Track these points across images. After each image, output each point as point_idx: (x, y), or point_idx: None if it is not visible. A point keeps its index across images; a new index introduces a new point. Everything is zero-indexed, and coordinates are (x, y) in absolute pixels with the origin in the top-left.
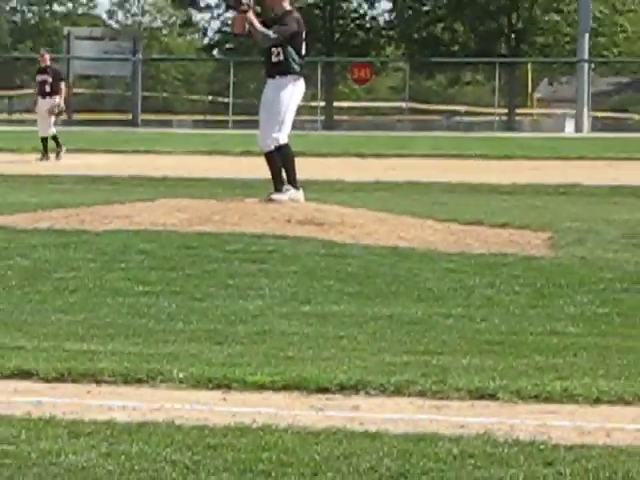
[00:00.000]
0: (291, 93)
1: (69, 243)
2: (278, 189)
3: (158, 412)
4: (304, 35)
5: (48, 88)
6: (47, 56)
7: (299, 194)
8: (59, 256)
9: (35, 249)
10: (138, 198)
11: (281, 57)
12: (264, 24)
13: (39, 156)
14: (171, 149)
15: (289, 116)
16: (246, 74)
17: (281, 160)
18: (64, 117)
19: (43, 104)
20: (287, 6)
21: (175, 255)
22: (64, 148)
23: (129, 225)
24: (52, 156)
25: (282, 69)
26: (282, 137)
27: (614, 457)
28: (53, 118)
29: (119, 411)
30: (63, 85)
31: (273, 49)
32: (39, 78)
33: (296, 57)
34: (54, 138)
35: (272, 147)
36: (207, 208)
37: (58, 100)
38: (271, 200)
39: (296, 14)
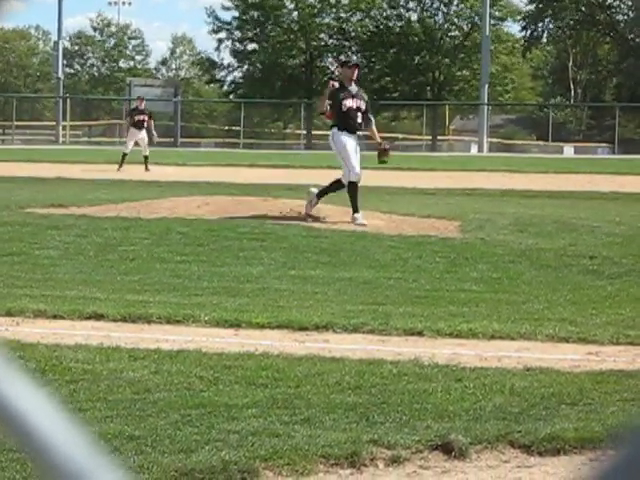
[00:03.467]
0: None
1: (129, 226)
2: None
3: (190, 343)
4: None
5: (146, 124)
6: (144, 101)
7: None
8: (122, 235)
9: (106, 230)
10: (177, 196)
11: (360, 120)
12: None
13: (117, 167)
14: (200, 162)
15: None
16: (251, 111)
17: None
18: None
19: (138, 133)
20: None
21: (202, 235)
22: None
23: (171, 214)
24: (136, 168)
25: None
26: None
27: (503, 376)
28: (147, 143)
29: (163, 342)
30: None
31: (360, 114)
32: (138, 117)
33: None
34: (145, 158)
35: (359, 179)
36: (225, 203)
37: (153, 132)
38: (362, 224)
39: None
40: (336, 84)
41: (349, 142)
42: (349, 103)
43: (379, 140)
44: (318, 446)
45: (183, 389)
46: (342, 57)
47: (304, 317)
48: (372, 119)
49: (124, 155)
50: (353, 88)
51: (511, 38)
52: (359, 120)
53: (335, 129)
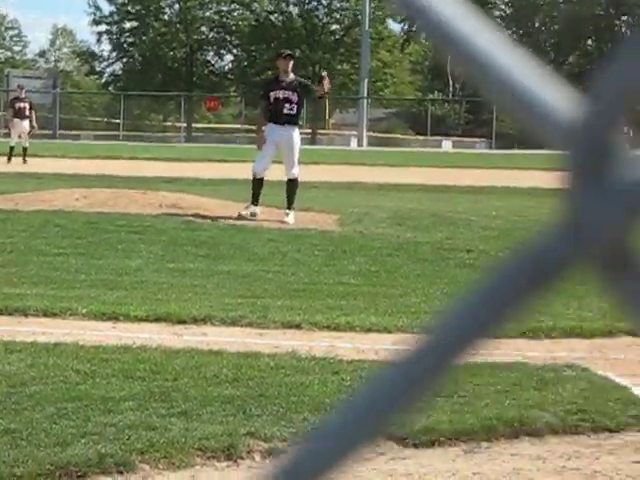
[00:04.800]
0: (299, 142)
1: (7, 219)
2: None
3: (68, 336)
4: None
5: (27, 113)
6: (24, 90)
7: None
8: (0, 228)
9: None
10: (56, 188)
11: (294, 112)
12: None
13: (6, 160)
14: (79, 154)
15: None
16: (131, 103)
17: (294, 189)
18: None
19: (21, 123)
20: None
21: (81, 228)
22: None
23: (49, 207)
24: (16, 160)
25: (296, 121)
26: (297, 172)
27: (379, 368)
28: (27, 134)
29: (40, 335)
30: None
31: (288, 104)
32: (19, 105)
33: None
34: (24, 149)
35: (294, 177)
36: (104, 196)
37: (34, 123)
38: (285, 221)
39: None
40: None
41: (270, 136)
42: (277, 94)
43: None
44: (195, 439)
45: (59, 382)
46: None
47: (182, 310)
48: (312, 89)
49: (11, 148)
50: (287, 79)
51: (392, 35)
52: (286, 111)
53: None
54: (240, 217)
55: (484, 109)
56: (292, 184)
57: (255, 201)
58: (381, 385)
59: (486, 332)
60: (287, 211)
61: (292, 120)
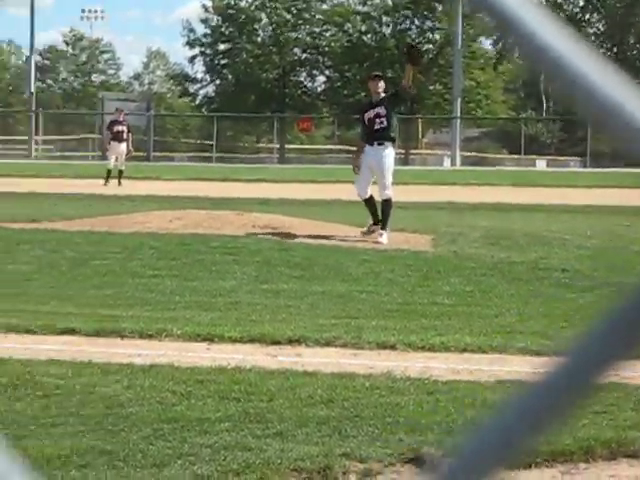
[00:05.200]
0: (392, 160)
1: (102, 241)
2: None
3: (163, 357)
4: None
5: (124, 136)
6: (122, 112)
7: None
8: (95, 250)
9: (78, 245)
10: (150, 210)
11: (384, 125)
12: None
13: (103, 182)
14: (173, 177)
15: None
16: (224, 125)
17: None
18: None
19: (119, 146)
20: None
21: (175, 249)
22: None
23: (143, 229)
24: (112, 182)
25: (389, 134)
26: (391, 191)
27: (475, 389)
28: (124, 157)
29: (136, 357)
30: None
31: (379, 119)
32: (117, 128)
33: (394, 126)
34: (120, 172)
35: (388, 198)
36: (198, 217)
37: (131, 146)
38: (379, 242)
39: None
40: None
41: (364, 160)
42: (369, 115)
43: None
44: (290, 460)
45: (155, 403)
46: (316, 72)
47: (276, 331)
48: (398, 91)
49: (108, 171)
50: (378, 99)
51: (484, 54)
52: (377, 126)
53: None
54: (364, 234)
55: (578, 127)
56: (386, 205)
57: (375, 221)
58: (520, 407)
59: (623, 353)
60: (381, 231)
61: (383, 136)
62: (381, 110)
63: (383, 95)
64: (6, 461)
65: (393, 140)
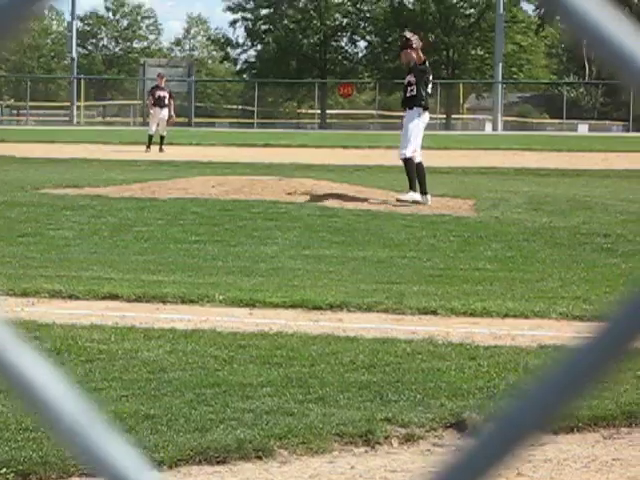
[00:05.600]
0: (417, 123)
1: (144, 207)
2: (410, 189)
3: (205, 323)
4: (430, 77)
5: (166, 102)
6: (164, 78)
7: (417, 196)
8: (137, 216)
9: (120, 211)
10: (191, 176)
11: (414, 93)
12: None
13: (145, 148)
14: (214, 142)
15: (414, 138)
16: (266, 90)
17: (408, 169)
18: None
19: (160, 112)
20: (422, 56)
21: (217, 215)
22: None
23: (185, 194)
24: (153, 148)
25: (414, 103)
26: (408, 152)
27: (517, 354)
28: (165, 123)
29: (178, 322)
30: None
31: (408, 87)
32: (159, 94)
33: (424, 94)
34: (161, 137)
35: (402, 157)
36: (239, 183)
37: (172, 112)
38: (398, 199)
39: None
40: None
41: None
42: (404, 81)
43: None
44: (332, 425)
45: (198, 368)
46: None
47: (318, 296)
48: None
49: (150, 137)
50: (407, 67)
51: (526, 18)
52: (408, 94)
53: None
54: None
55: (621, 92)
56: (404, 164)
57: (412, 186)
58: (560, 371)
59: None
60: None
61: (411, 102)
62: (411, 78)
63: (413, 64)
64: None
65: (422, 106)
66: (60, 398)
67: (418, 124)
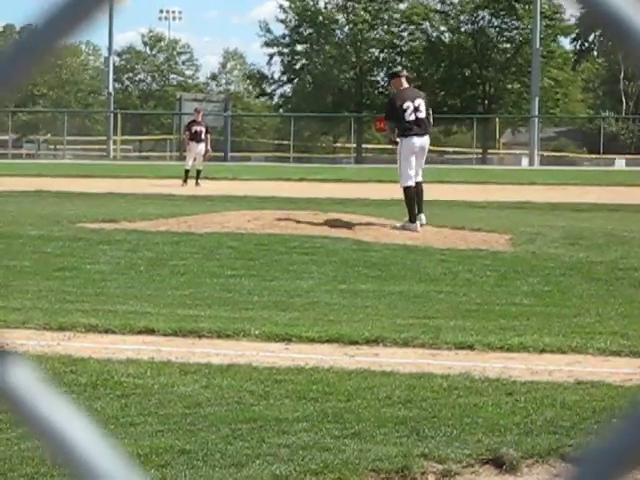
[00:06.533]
0: (401, 150)
1: (180, 241)
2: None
3: (241, 357)
4: (407, 104)
5: (203, 136)
6: (201, 113)
7: (412, 226)
8: (173, 250)
9: (157, 245)
10: (228, 210)
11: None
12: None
13: (181, 183)
14: (250, 177)
15: (404, 165)
16: (301, 125)
17: (406, 198)
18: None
19: (197, 147)
20: (402, 85)
21: (253, 249)
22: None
23: (221, 229)
24: (190, 183)
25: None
26: (402, 182)
27: (554, 389)
28: (202, 158)
29: (214, 357)
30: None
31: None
32: (196, 128)
33: (400, 124)
34: (198, 172)
35: (402, 186)
36: (275, 217)
37: (209, 147)
38: (394, 227)
39: (406, 90)
40: None
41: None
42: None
43: None
44: (368, 460)
45: (234, 403)
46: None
47: (354, 331)
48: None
49: (186, 171)
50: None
51: (563, 53)
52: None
53: None
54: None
55: None
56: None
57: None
58: None
59: None
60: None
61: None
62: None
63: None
64: (112, 460)
65: (402, 135)
66: (96, 454)
67: (401, 152)
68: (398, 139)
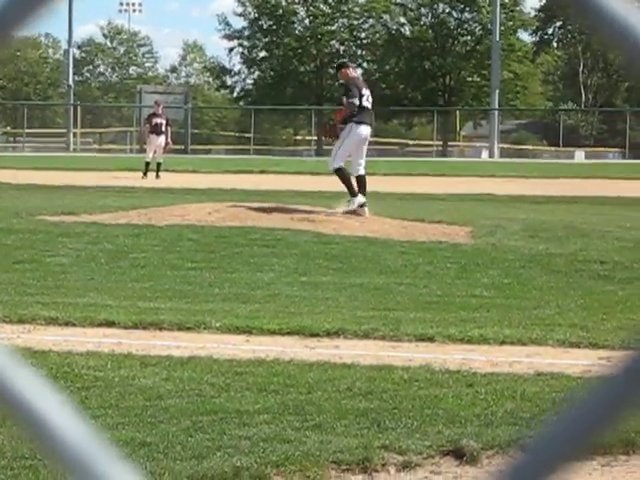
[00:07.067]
0: (347, 135)
1: (140, 233)
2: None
3: (201, 350)
4: (364, 91)
5: (163, 129)
6: (161, 106)
7: (361, 199)
8: (134, 242)
9: (117, 237)
10: (188, 202)
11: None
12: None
13: (142, 175)
14: (210, 169)
15: (344, 150)
16: (262, 117)
17: (341, 178)
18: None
19: (157, 139)
20: (352, 74)
21: (213, 242)
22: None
23: (182, 221)
24: (150, 175)
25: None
26: (335, 163)
27: (514, 381)
28: (162, 150)
29: (175, 349)
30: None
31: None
32: (156, 121)
33: (356, 108)
34: (158, 164)
35: (331, 168)
36: (236, 210)
37: (169, 139)
38: (344, 212)
39: (358, 79)
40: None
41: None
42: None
43: None
44: (329, 452)
45: (194, 396)
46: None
47: (315, 323)
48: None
49: (147, 164)
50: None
51: (522, 47)
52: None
53: None
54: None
55: (618, 119)
56: (337, 175)
57: (352, 193)
58: (591, 400)
59: None
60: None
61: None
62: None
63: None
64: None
65: (354, 122)
66: (64, 425)
67: (347, 137)
68: (346, 125)
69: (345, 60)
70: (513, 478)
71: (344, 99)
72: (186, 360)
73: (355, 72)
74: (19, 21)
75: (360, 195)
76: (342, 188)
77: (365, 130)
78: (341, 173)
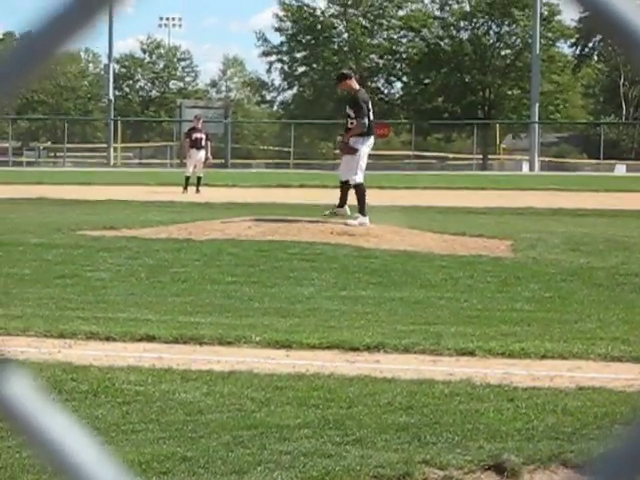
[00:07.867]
0: (362, 148)
1: (181, 248)
2: (360, 214)
3: (242, 364)
4: (369, 105)
5: (203, 143)
6: (201, 120)
7: (366, 220)
8: (174, 257)
9: (157, 252)
10: (228, 217)
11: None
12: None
13: (182, 190)
14: (250, 183)
15: (362, 164)
16: (301, 131)
17: (357, 194)
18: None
19: (197, 154)
20: (356, 86)
21: (253, 256)
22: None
23: (222, 235)
24: (190, 190)
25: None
26: (357, 179)
27: (555, 395)
28: (202, 164)
29: (215, 364)
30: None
31: (349, 120)
32: (196, 135)
33: (365, 122)
34: (198, 179)
35: (354, 184)
36: (275, 224)
37: (209, 154)
38: (346, 224)
39: (362, 91)
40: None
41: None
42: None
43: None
44: (370, 467)
45: (235, 410)
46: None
47: (355, 337)
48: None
49: (187, 178)
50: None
51: (562, 58)
52: (348, 125)
53: None
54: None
55: None
56: (355, 190)
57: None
58: None
59: None
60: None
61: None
62: (349, 110)
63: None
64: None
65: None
66: (93, 464)
67: (362, 150)
68: (356, 138)
69: (345, 70)
70: None
71: (353, 119)
72: (226, 375)
73: (357, 83)
74: (64, 38)
75: (366, 217)
76: (380, 202)
77: (371, 141)
78: (361, 188)
